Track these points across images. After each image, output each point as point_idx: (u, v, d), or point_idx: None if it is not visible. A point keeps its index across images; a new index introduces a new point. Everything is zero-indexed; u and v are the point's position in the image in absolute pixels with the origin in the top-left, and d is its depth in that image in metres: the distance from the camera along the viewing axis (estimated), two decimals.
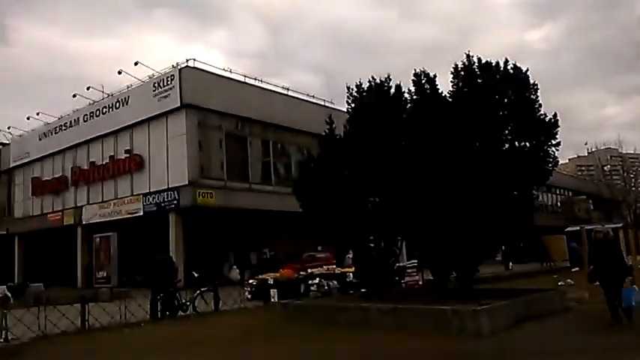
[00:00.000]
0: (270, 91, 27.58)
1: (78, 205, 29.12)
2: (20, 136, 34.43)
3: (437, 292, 10.46)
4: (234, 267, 25.74)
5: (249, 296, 15.89)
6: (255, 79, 26.77)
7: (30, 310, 10.18)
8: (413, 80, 10.66)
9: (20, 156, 33.83)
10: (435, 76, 10.72)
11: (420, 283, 15.28)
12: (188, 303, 13.06)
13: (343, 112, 12.00)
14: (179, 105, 23.39)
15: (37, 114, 31.58)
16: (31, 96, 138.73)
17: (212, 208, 23.77)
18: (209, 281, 14.39)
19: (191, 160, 23.39)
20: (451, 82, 10.69)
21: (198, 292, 13.36)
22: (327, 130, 10.91)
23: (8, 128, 34.75)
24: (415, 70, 10.74)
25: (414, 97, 10.69)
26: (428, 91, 10.52)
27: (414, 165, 9.65)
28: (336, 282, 15.91)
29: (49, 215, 31.14)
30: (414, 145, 9.89)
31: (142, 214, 24.98)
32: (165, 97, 23.84)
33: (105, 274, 19.13)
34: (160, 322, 11.91)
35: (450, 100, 10.59)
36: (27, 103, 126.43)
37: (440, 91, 10.72)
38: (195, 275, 14.57)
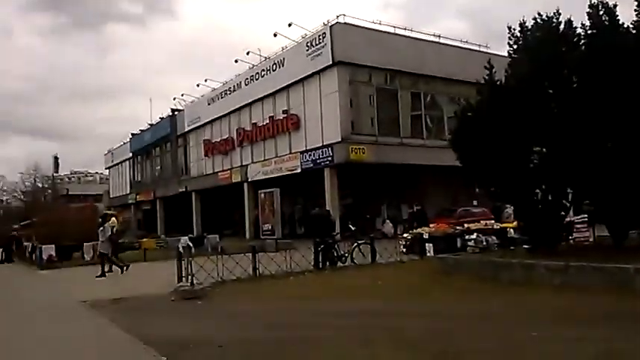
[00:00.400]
0: (421, 40, 26.69)
1: (243, 163, 31.58)
2: (192, 102, 38.05)
3: (612, 250, 9.40)
4: (387, 221, 26.00)
5: (404, 250, 15.91)
6: (405, 29, 26.02)
7: (210, 258, 11.33)
8: (588, 13, 9.35)
9: (193, 120, 37.48)
10: (615, 5, 9.30)
11: (591, 239, 13.90)
12: (346, 255, 13.53)
13: (501, 56, 11.13)
14: (331, 62, 23.76)
15: (205, 80, 34.55)
16: (199, 64, 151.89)
17: (364, 163, 24.10)
18: (364, 234, 14.72)
19: (343, 117, 23.80)
20: (635, 10, 9.20)
21: (355, 244, 13.75)
22: (485, 77, 10.15)
23: (182, 95, 38.68)
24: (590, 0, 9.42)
25: (589, 31, 9.41)
26: (606, 23, 9.18)
27: (590, 109, 8.57)
28: (495, 238, 15.19)
29: (219, 173, 34.26)
30: (589, 87, 8.76)
31: (299, 170, 26.27)
32: (318, 55, 24.35)
33: (270, 227, 20.64)
34: (321, 271, 12.54)
35: (634, 32, 9.15)
36: (196, 71, 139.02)
37: (621, 22, 9.31)
38: (352, 228, 14.99)
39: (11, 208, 75.57)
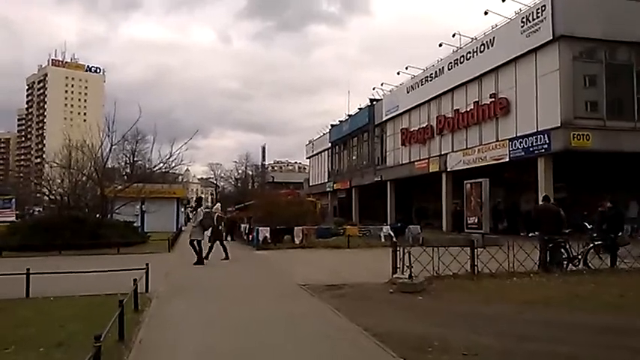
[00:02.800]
0: None
1: (443, 152, 30.19)
2: (390, 91, 37.82)
3: None
4: None
5: None
6: None
7: (425, 250, 10.54)
8: None
9: (391, 109, 37.19)
10: None
11: None
12: (579, 257, 11.62)
13: None
14: (551, 38, 21.01)
15: (406, 68, 33.82)
16: (396, 57, 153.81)
17: (588, 151, 20.96)
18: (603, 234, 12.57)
19: (564, 99, 20.90)
20: None
21: (591, 245, 11.73)
22: None
23: (381, 85, 38.70)
24: None
25: None
26: None
27: None
28: None
29: (416, 163, 33.37)
30: None
31: (507, 159, 24.03)
32: (535, 31, 21.78)
33: (475, 220, 19.15)
34: (548, 274, 10.88)
35: None
36: (393, 64, 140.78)
37: None
38: (588, 226, 12.86)
39: (225, 193, 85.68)
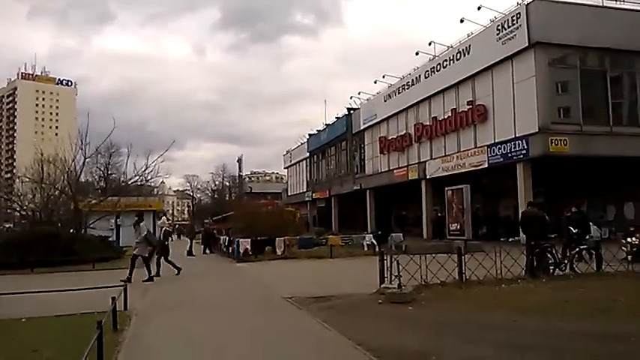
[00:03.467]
0: (635, 11, 22.55)
1: (421, 160, 30.26)
2: (368, 100, 37.88)
3: None
4: (590, 224, 22.59)
5: (629, 257, 13.24)
6: (617, 0, 22.28)
7: (412, 258, 10.32)
8: None
9: (368, 118, 37.21)
10: None
11: None
12: (565, 261, 11.58)
13: None
14: (527, 44, 21.24)
15: (383, 77, 33.92)
16: (370, 68, 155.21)
17: (566, 156, 21.18)
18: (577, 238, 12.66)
19: (541, 105, 21.12)
20: None
21: (577, 249, 11.70)
22: None
23: (359, 94, 38.75)
24: None
25: None
26: None
27: None
28: None
29: (395, 171, 33.39)
30: None
31: (486, 166, 24.16)
32: (511, 38, 22.01)
33: (458, 227, 19.10)
34: (536, 280, 10.77)
35: None
36: (368, 74, 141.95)
37: None
38: (574, 230, 12.87)
39: (202, 204, 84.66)
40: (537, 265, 11.19)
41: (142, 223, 14.33)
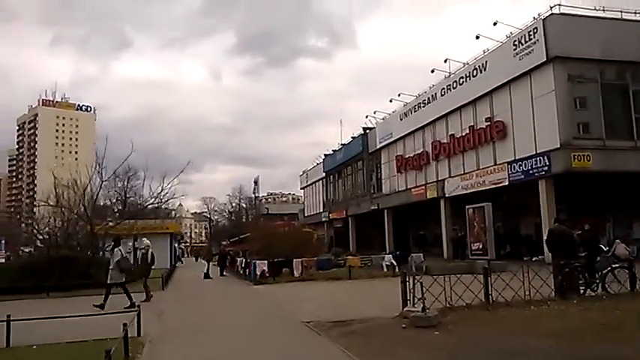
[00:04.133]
0: None
1: (440, 178, 29.82)
2: (383, 119, 37.64)
3: None
4: (618, 241, 21.82)
5: None
6: (636, 13, 21.89)
7: (436, 279, 9.89)
8: None
9: (385, 137, 36.94)
10: None
11: None
12: (597, 281, 11.02)
13: None
14: (545, 59, 20.92)
15: (398, 95, 33.71)
16: (385, 88, 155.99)
17: (589, 172, 20.61)
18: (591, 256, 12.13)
19: (562, 120, 20.67)
20: None
21: (609, 268, 11.14)
22: None
23: (374, 113, 38.54)
24: None
25: None
26: None
27: None
28: None
29: (412, 190, 32.94)
30: None
31: (507, 183, 23.64)
32: (528, 53, 21.72)
33: (480, 246, 18.59)
34: (567, 301, 10.24)
35: None
36: (382, 94, 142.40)
37: None
38: (605, 248, 12.33)
39: (219, 226, 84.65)
40: (567, 286, 10.66)
41: (116, 249, 13.58)
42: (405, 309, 9.27)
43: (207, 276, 23.52)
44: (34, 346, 7.91)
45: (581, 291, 10.71)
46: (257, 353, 7.19)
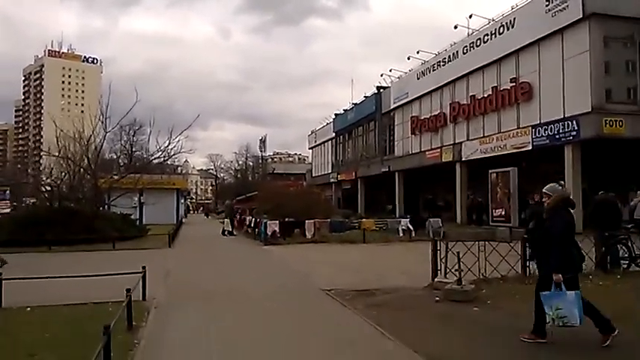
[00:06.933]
0: None
1: (457, 141, 28.63)
2: (399, 78, 36.12)
3: None
4: None
5: None
6: None
7: (470, 249, 8.99)
8: None
9: (400, 97, 35.48)
10: None
11: None
12: None
13: None
14: (581, 16, 19.41)
15: (417, 52, 32.10)
16: (395, 50, 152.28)
17: (621, 138, 19.45)
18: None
19: (596, 83, 19.34)
20: None
21: None
22: None
23: (390, 71, 36.92)
24: None
25: None
26: None
27: None
28: None
29: (427, 152, 31.79)
30: None
31: (530, 148, 22.46)
32: (562, 9, 20.17)
33: (502, 212, 17.66)
34: (610, 275, 9.37)
35: None
36: (391, 56, 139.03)
37: None
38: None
39: (225, 184, 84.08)
40: (611, 260, 9.77)
41: None
42: (436, 280, 8.44)
43: (230, 233, 23.10)
44: (28, 308, 7.15)
45: (626, 265, 9.81)
46: (275, 328, 6.35)
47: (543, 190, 5.62)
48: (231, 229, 23.93)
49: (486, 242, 9.33)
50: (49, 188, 22.49)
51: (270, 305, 7.68)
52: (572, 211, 5.48)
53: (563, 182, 5.70)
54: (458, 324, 6.16)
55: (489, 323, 6.17)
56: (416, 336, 5.53)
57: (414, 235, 18.43)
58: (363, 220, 20.22)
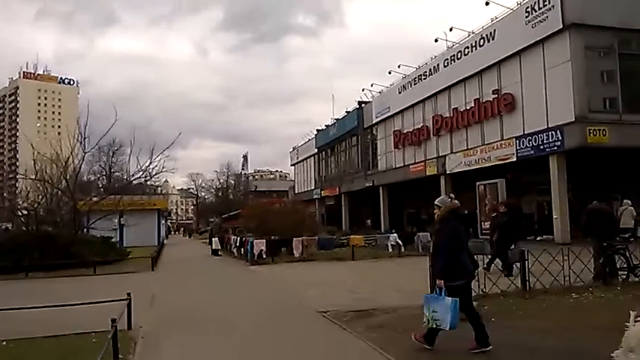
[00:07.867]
0: None
1: (440, 154, 28.63)
2: (380, 92, 36.16)
3: None
4: (628, 202, 20.91)
5: None
6: None
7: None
8: None
9: (381, 111, 35.46)
10: None
11: None
12: None
13: None
14: (561, 26, 19.59)
15: (398, 66, 32.20)
16: (371, 67, 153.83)
17: (605, 147, 19.53)
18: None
19: (578, 92, 19.46)
20: None
21: None
22: None
23: (371, 85, 36.98)
24: None
25: None
26: None
27: None
28: None
29: (411, 166, 31.72)
30: None
31: (514, 159, 22.49)
32: (542, 20, 20.35)
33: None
34: (610, 287, 9.17)
35: None
36: (369, 73, 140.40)
37: None
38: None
39: (207, 203, 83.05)
40: (610, 270, 9.58)
41: None
42: None
43: (215, 253, 22.63)
44: (4, 342, 6.62)
45: (625, 276, 9.63)
46: (274, 353, 5.94)
47: (435, 203, 5.88)
48: (220, 248, 23.45)
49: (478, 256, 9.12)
50: (25, 212, 21.68)
51: (267, 332, 7.24)
52: (459, 221, 5.79)
53: (453, 195, 5.78)
54: (463, 343, 5.81)
55: (496, 342, 5.82)
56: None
57: (403, 250, 18.15)
58: (352, 236, 19.89)
